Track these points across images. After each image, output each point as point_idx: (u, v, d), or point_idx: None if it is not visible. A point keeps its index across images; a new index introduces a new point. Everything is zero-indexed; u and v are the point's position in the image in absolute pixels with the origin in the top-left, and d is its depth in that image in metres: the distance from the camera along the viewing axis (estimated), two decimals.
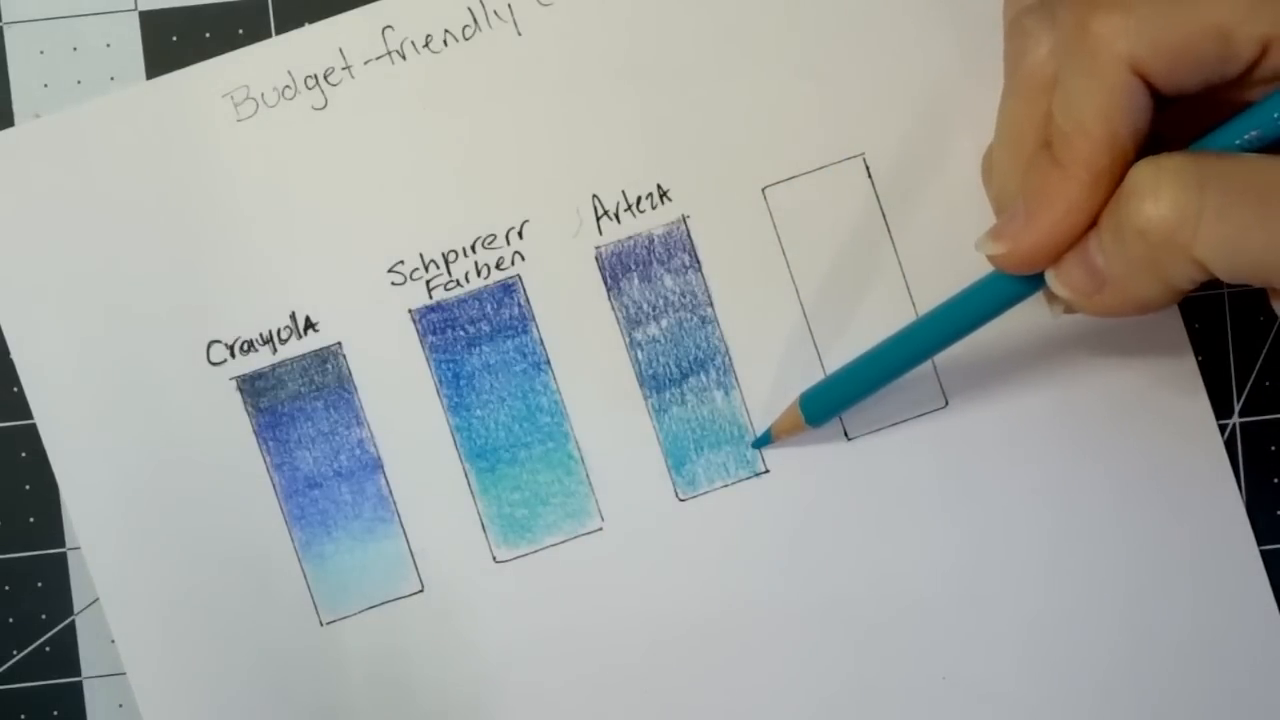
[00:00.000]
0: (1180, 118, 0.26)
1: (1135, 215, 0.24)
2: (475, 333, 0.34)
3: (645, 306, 0.34)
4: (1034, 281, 0.27)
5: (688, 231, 0.34)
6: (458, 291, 0.34)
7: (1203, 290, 0.34)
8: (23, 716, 0.35)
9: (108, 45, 0.35)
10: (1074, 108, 0.25)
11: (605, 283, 0.34)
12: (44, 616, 0.35)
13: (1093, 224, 0.26)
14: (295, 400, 0.34)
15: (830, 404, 0.33)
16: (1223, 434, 0.34)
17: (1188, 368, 0.34)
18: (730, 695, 0.34)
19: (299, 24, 0.35)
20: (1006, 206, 0.28)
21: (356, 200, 0.34)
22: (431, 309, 0.34)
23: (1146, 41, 0.24)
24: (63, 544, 0.35)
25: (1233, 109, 0.25)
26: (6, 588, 0.35)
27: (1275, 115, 0.24)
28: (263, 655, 0.34)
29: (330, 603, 0.34)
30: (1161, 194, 0.24)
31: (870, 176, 0.34)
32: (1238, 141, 0.25)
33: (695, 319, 0.34)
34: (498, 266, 0.34)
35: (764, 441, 0.34)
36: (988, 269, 0.28)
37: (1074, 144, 0.25)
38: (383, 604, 0.34)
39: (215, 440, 0.34)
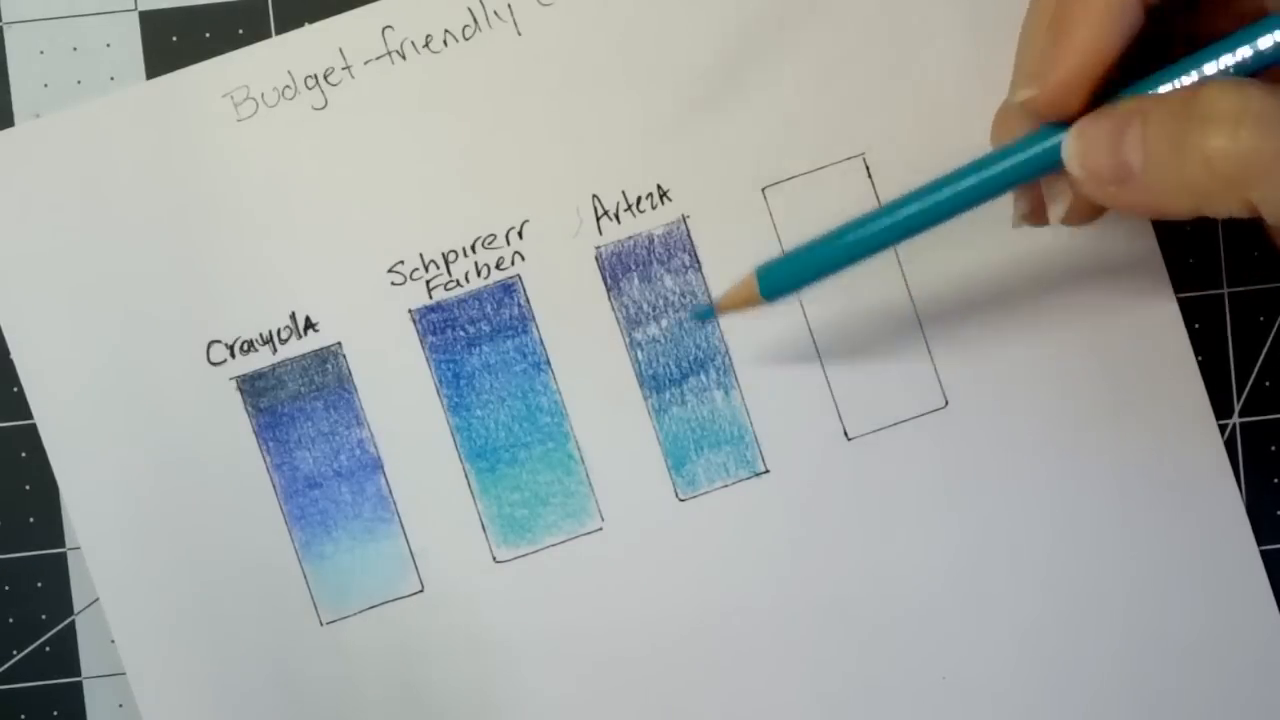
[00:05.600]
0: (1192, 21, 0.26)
1: (1205, 143, 0.24)
2: (475, 333, 0.34)
3: (645, 306, 0.34)
4: (1021, 171, 0.26)
5: (688, 231, 0.34)
6: (458, 291, 0.34)
7: (1202, 290, 0.34)
8: (23, 716, 0.35)
9: (108, 45, 0.35)
10: None
11: (605, 283, 0.34)
12: (44, 616, 0.35)
13: (1115, 75, 0.25)
14: (295, 400, 0.34)
15: (789, 277, 0.30)
16: (1223, 434, 0.34)
17: (1188, 368, 0.34)
18: (730, 695, 0.34)
19: (299, 24, 0.34)
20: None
21: (356, 200, 0.34)
22: (431, 309, 0.34)
23: None
24: (63, 544, 0.35)
25: (1238, 22, 0.25)
26: (6, 588, 0.35)
27: None
28: (263, 655, 0.34)
29: (330, 603, 0.34)
30: (1241, 133, 0.23)
31: (870, 176, 0.34)
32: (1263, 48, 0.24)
33: (695, 319, 0.34)
34: (498, 266, 0.34)
35: (707, 314, 0.33)
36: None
37: None
38: (383, 604, 0.34)
39: (215, 440, 0.34)
